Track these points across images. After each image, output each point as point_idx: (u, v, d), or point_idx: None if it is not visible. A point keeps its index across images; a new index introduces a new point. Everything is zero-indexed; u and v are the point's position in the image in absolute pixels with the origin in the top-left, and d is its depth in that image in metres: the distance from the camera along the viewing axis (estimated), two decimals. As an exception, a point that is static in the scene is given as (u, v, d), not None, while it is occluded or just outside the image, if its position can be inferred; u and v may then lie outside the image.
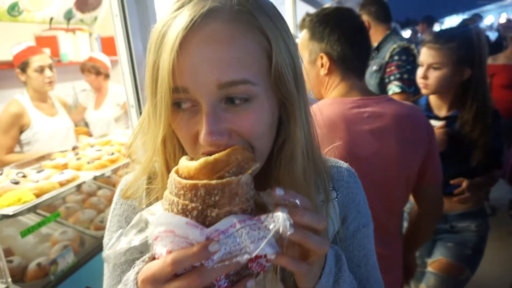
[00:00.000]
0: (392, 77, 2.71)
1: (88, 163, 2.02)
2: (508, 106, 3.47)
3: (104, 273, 0.74)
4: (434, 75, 1.70)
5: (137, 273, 0.50)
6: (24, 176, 1.89)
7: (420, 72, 1.76)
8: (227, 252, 0.43)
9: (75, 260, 1.87)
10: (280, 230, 0.43)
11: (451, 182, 1.72)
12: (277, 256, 0.45)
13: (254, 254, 0.42)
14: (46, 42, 3.73)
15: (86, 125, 3.76)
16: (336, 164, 0.75)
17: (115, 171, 2.13)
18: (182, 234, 0.43)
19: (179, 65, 0.49)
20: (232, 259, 0.42)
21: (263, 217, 0.44)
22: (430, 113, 1.83)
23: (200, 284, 0.43)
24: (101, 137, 2.70)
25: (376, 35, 2.94)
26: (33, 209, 1.72)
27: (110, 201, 2.35)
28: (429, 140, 1.33)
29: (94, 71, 3.49)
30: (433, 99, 1.84)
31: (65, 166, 2.07)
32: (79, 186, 1.99)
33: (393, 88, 2.69)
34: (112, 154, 2.13)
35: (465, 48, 1.65)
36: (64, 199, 2.23)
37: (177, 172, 0.49)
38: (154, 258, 0.49)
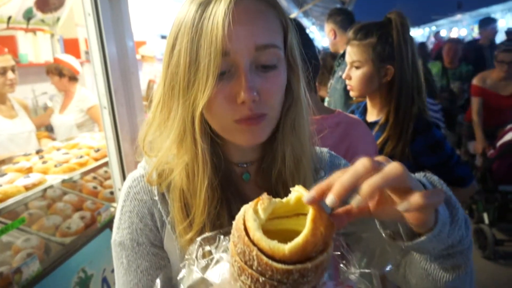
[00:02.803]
0: None
1: (56, 166, 1.94)
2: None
3: (117, 271, 0.73)
4: (355, 74, 1.54)
5: None
6: (-16, 181, 1.79)
7: (344, 73, 1.61)
8: None
9: (41, 268, 1.78)
10: None
11: None
12: (414, 205, 0.42)
13: None
14: (4, 42, 3.54)
15: (51, 129, 3.60)
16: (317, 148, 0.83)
17: (83, 175, 2.06)
18: None
19: (226, 32, 0.57)
20: None
21: (350, 286, 0.45)
22: (361, 117, 1.66)
23: None
24: (66, 141, 2.60)
25: (341, 43, 3.09)
26: (-5, 215, 1.63)
27: (77, 206, 2.26)
28: (374, 153, 1.28)
29: (57, 73, 3.35)
30: (368, 102, 1.66)
31: (29, 170, 1.97)
32: (43, 192, 1.91)
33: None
34: (81, 157, 2.07)
35: (384, 43, 1.46)
36: (26, 205, 2.12)
37: (246, 231, 0.44)
38: None
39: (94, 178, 2.50)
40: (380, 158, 0.46)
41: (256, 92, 0.59)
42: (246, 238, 0.43)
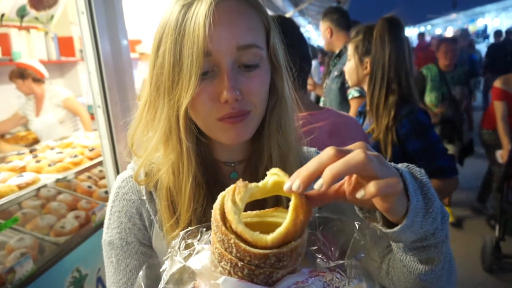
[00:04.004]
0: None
1: (49, 165, 1.93)
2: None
3: (107, 270, 0.73)
4: (347, 66, 1.85)
5: None
6: (-24, 180, 1.77)
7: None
8: None
9: (35, 268, 1.77)
10: None
11: None
12: (368, 193, 0.44)
13: None
14: (-3, 39, 3.51)
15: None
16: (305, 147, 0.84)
17: (78, 174, 2.04)
18: None
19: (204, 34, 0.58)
20: None
21: (326, 273, 0.46)
22: (364, 109, 1.87)
23: None
24: (60, 140, 2.58)
25: (337, 42, 3.08)
26: (-12, 215, 1.61)
27: (71, 206, 2.25)
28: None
29: (19, 76, 3.32)
30: None
31: (23, 169, 1.96)
32: (37, 191, 1.89)
33: (352, 92, 2.82)
34: (75, 156, 2.05)
35: (365, 40, 1.72)
36: (20, 204, 2.11)
37: (223, 220, 0.46)
38: None
39: (89, 177, 2.49)
40: (357, 145, 0.47)
41: (238, 91, 0.60)
42: (223, 228, 0.44)
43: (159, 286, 0.48)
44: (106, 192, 2.34)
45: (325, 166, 0.43)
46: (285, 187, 0.45)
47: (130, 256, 0.70)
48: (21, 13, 3.81)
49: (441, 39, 4.53)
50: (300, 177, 0.44)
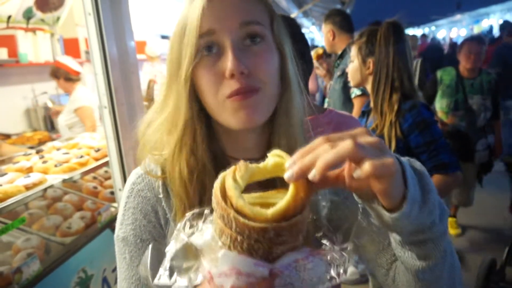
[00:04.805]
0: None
1: (56, 166, 1.94)
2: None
3: (119, 266, 0.73)
4: (350, 67, 1.88)
5: None
6: (-16, 181, 1.79)
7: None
8: (290, 283, 0.45)
9: (41, 268, 1.78)
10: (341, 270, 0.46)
11: None
12: (363, 171, 0.44)
13: None
14: (4, 41, 3.54)
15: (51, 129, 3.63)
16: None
17: (84, 174, 2.05)
18: (248, 272, 0.44)
19: (208, 11, 0.60)
20: None
21: (326, 251, 0.47)
22: (368, 108, 1.92)
23: None
24: (66, 140, 2.59)
25: (340, 43, 3.11)
26: (-4, 215, 1.62)
27: (77, 206, 2.26)
28: None
29: (54, 75, 3.41)
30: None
31: (30, 170, 1.97)
32: (43, 191, 1.90)
33: (355, 91, 2.83)
34: (81, 157, 2.06)
35: (369, 42, 1.77)
36: (26, 205, 2.12)
37: (223, 197, 0.47)
38: None
39: (95, 178, 2.50)
40: (359, 130, 0.48)
41: (244, 66, 0.60)
42: (223, 204, 0.45)
43: (163, 263, 0.49)
44: (112, 193, 2.35)
45: (317, 156, 0.45)
46: (287, 163, 0.47)
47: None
48: (28, 15, 3.85)
49: (465, 39, 3.67)
50: (295, 169, 0.46)
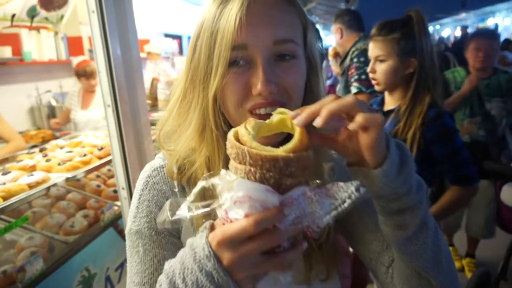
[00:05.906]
0: (352, 79, 2.86)
1: (59, 164, 1.94)
2: None
3: (131, 260, 0.71)
4: (380, 67, 1.65)
5: (207, 237, 0.52)
6: (-13, 179, 1.78)
7: (369, 67, 1.71)
8: (298, 216, 0.49)
9: (44, 266, 1.78)
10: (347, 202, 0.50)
11: None
12: (356, 122, 0.50)
13: (324, 220, 0.49)
14: (8, 39, 3.55)
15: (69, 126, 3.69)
16: None
17: (87, 173, 2.05)
18: (260, 199, 0.48)
19: (241, 26, 0.60)
20: (300, 223, 0.49)
21: (330, 186, 0.51)
22: (379, 107, 1.77)
23: (274, 243, 0.49)
24: (70, 139, 2.59)
25: (347, 42, 3.09)
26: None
27: (80, 205, 2.26)
28: None
29: (83, 74, 3.49)
30: (386, 94, 1.76)
31: (33, 168, 1.97)
32: (47, 190, 1.90)
33: (353, 89, 2.82)
34: (85, 155, 2.06)
35: (407, 37, 1.58)
36: (30, 203, 2.12)
37: (237, 139, 0.52)
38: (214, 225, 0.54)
39: (98, 176, 2.50)
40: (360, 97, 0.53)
41: (274, 85, 0.60)
42: (237, 143, 0.51)
43: (184, 203, 0.52)
44: (115, 191, 2.35)
45: (323, 106, 0.51)
46: (291, 113, 0.53)
47: (159, 246, 0.69)
48: (32, 13, 3.86)
49: (473, 34, 3.13)
50: (303, 112, 0.52)
